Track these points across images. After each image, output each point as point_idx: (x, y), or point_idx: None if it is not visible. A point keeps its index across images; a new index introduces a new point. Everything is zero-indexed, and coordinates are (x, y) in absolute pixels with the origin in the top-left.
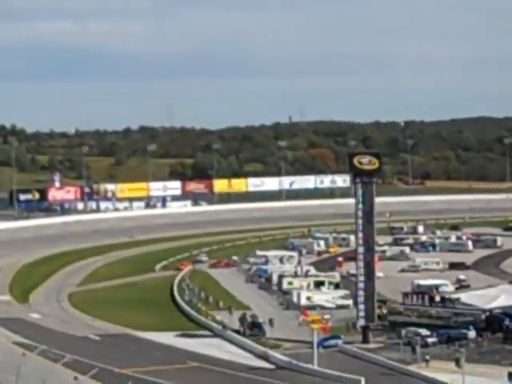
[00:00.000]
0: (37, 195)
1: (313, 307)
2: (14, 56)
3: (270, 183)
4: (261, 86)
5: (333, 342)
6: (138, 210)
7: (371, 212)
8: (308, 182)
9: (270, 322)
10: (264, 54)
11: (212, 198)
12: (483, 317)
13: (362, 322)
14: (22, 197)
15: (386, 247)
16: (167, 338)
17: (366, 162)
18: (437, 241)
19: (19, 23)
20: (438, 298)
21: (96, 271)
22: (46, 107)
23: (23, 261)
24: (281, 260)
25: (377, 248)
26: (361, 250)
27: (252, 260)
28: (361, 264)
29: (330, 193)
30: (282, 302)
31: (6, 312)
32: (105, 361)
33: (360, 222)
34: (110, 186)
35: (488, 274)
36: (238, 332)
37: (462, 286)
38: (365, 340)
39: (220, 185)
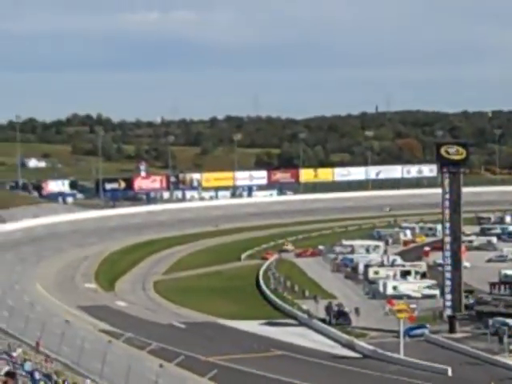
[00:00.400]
0: (123, 184)
1: (399, 297)
2: (100, 46)
3: (357, 173)
4: (347, 76)
5: (419, 331)
6: (224, 200)
7: (458, 202)
8: (394, 171)
9: (356, 311)
10: (350, 44)
11: (298, 187)
12: None
13: (448, 312)
14: (108, 186)
15: (473, 237)
16: (252, 326)
17: (454, 152)
18: None
19: (105, 14)
20: None
21: (182, 260)
22: (132, 97)
23: (109, 249)
24: (367, 249)
25: (464, 238)
26: (448, 239)
27: (338, 249)
28: (447, 254)
29: (417, 183)
30: (368, 292)
31: (92, 300)
32: (190, 349)
33: (447, 211)
34: (196, 176)
35: None
36: (323, 321)
37: None
38: (451, 330)
39: (306, 174)
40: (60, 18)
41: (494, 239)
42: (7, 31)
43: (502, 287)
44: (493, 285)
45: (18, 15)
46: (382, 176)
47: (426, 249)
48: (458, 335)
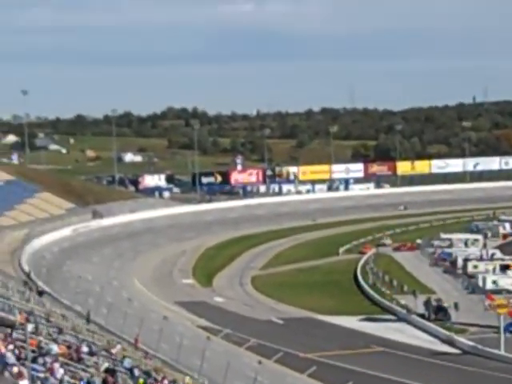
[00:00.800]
0: (219, 178)
1: (499, 291)
2: (195, 38)
3: (454, 165)
4: (444, 66)
5: None
6: (321, 193)
7: None
8: (493, 163)
9: (456, 306)
10: (448, 34)
11: (395, 180)
12: None
13: None
14: (205, 180)
15: None
16: (351, 322)
17: None
18: None
19: (200, 6)
20: None
21: (279, 254)
22: (228, 89)
23: (206, 244)
24: (465, 243)
25: None
26: None
27: (436, 243)
28: None
29: None
30: (467, 286)
31: (190, 296)
32: (289, 345)
33: None
34: (293, 169)
35: None
36: (422, 316)
37: None
38: None
39: (403, 167)
40: (155, 11)
41: None
42: (102, 25)
43: None
44: None
45: (112, 8)
46: (479, 168)
47: None
48: None
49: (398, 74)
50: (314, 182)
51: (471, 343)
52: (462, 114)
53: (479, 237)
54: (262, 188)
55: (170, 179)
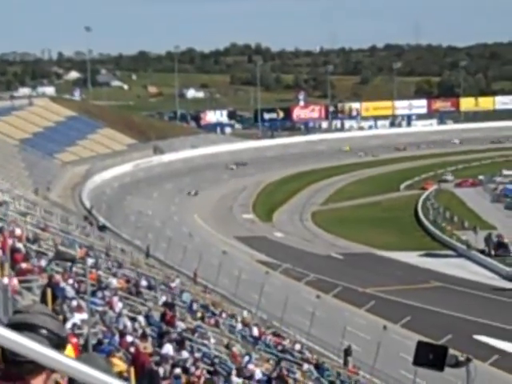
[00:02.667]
0: (281, 114)
1: None
2: None
3: None
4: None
5: None
6: (383, 129)
7: None
8: None
9: None
10: None
11: (458, 116)
12: None
13: None
14: (267, 116)
15: None
16: (410, 257)
17: None
18: None
19: None
20: None
21: (340, 190)
22: (292, 25)
23: (267, 180)
24: None
25: None
26: None
27: (498, 179)
28: None
29: None
30: None
31: (250, 231)
32: (347, 280)
33: None
34: (355, 105)
35: None
36: (482, 252)
37: None
38: None
39: (466, 103)
40: None
41: None
42: None
43: None
44: None
45: None
46: None
47: None
48: None
49: (463, 10)
50: (376, 118)
51: None
52: None
53: None
54: (324, 124)
55: (231, 115)
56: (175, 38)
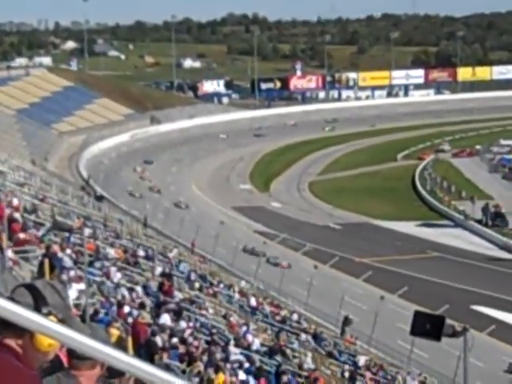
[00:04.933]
0: (278, 84)
1: None
2: None
3: None
4: None
5: None
6: (380, 99)
7: None
8: None
9: None
10: None
11: (455, 86)
12: None
13: None
14: (264, 86)
15: None
16: (408, 227)
17: None
18: None
19: None
20: None
21: (337, 160)
22: None
23: (264, 150)
24: None
25: None
26: None
27: (496, 149)
28: None
29: None
30: None
31: (247, 201)
32: (345, 250)
33: None
34: (352, 75)
35: None
36: (480, 222)
37: None
38: None
39: (464, 73)
40: None
41: None
42: None
43: None
44: None
45: None
46: None
47: None
48: None
49: None
50: (373, 88)
51: None
52: None
53: None
54: (322, 94)
55: (228, 85)
56: (172, 7)
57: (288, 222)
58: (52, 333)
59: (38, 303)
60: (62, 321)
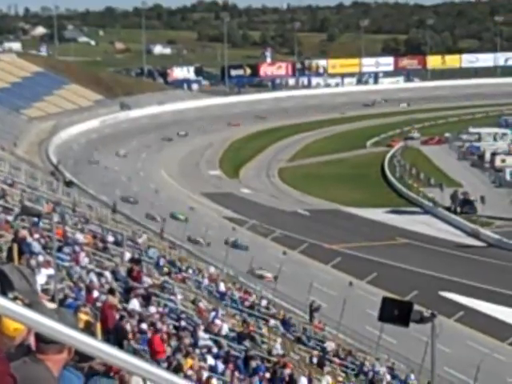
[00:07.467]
0: (248, 71)
1: None
2: None
3: (485, 59)
4: None
5: None
6: (350, 86)
7: None
8: None
9: (482, 199)
10: None
11: (425, 74)
12: None
13: None
14: (234, 72)
15: None
16: (377, 214)
17: None
18: None
19: None
20: None
21: (307, 147)
22: None
23: (234, 136)
24: (494, 137)
25: None
26: None
27: (465, 137)
28: None
29: None
30: (494, 180)
31: (216, 187)
32: (314, 236)
33: None
34: (322, 62)
35: None
36: (448, 209)
37: None
38: None
39: (433, 61)
40: None
41: None
42: None
43: None
44: None
45: None
46: (510, 62)
47: None
48: None
49: None
50: (343, 76)
51: (496, 236)
52: (494, 9)
53: (508, 131)
54: (291, 81)
55: (198, 71)
56: None
57: (257, 208)
58: (18, 316)
59: (5, 287)
60: (28, 305)
